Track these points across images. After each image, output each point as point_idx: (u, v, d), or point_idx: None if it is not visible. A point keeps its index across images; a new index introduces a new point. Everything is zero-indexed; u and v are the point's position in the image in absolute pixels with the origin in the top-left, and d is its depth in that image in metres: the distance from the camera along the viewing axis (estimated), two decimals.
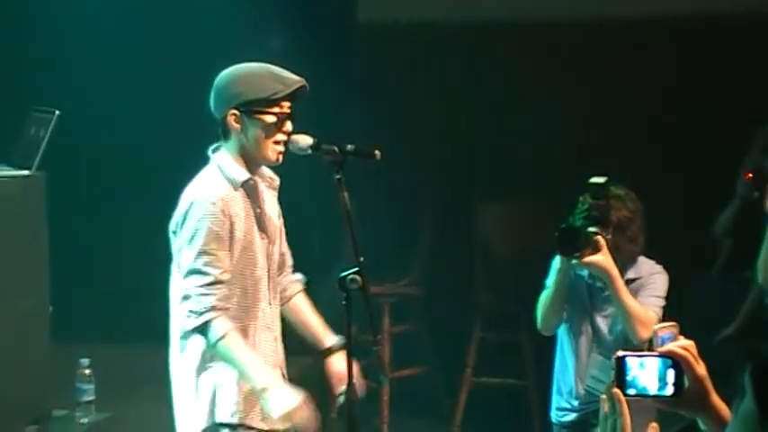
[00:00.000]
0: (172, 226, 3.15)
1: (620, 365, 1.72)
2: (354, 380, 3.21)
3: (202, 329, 3.06)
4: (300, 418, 3.14)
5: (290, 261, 3.45)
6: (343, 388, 3.18)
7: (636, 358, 1.72)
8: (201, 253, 3.06)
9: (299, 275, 3.48)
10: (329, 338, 3.32)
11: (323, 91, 3.26)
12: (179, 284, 3.14)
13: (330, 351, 3.30)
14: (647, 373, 1.71)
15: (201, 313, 3.06)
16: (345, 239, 3.18)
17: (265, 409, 3.14)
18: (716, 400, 1.72)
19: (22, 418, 4.19)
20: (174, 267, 3.16)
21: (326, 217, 5.09)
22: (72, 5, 5.69)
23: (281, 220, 3.33)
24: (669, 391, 1.70)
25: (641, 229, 3.70)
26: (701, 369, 1.72)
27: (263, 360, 3.22)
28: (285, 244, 3.41)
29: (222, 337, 3.05)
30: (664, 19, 5.65)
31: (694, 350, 1.72)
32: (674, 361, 1.71)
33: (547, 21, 5.77)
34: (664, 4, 5.65)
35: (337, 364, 3.26)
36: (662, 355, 1.72)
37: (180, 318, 3.16)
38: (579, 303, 3.78)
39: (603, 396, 1.71)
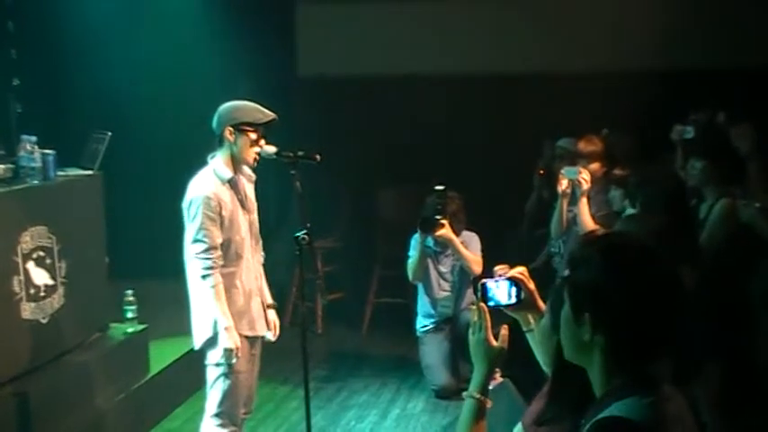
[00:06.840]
0: (184, 204, 3.40)
1: (483, 288, 1.82)
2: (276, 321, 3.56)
3: (203, 277, 3.39)
4: (235, 357, 3.37)
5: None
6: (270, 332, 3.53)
7: (493, 281, 1.85)
8: (200, 228, 3.37)
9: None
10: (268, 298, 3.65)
11: (281, 122, 3.52)
12: (188, 245, 3.45)
13: (270, 306, 3.69)
14: (500, 291, 1.85)
15: (204, 269, 3.37)
16: (297, 212, 3.49)
17: (218, 340, 3.37)
18: (540, 303, 1.89)
19: (91, 327, 4.57)
20: (186, 234, 3.47)
21: (285, 198, 5.43)
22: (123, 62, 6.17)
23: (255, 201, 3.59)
24: (514, 300, 1.85)
25: (464, 215, 4.59)
26: (531, 285, 1.89)
27: (242, 296, 3.48)
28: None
29: (214, 286, 3.37)
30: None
31: (526, 274, 1.90)
32: (516, 281, 1.87)
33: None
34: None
35: (271, 315, 3.69)
36: (508, 279, 1.87)
37: (190, 263, 3.45)
38: (429, 260, 4.61)
39: (473, 307, 1.80)
